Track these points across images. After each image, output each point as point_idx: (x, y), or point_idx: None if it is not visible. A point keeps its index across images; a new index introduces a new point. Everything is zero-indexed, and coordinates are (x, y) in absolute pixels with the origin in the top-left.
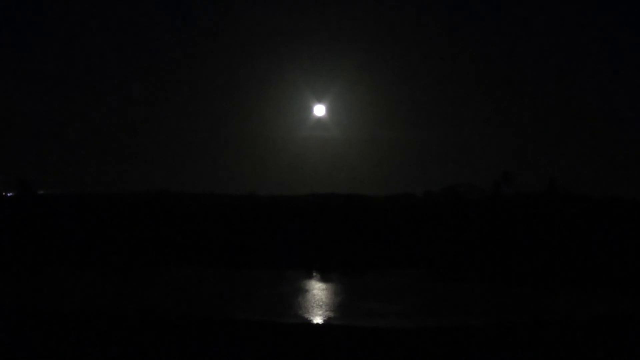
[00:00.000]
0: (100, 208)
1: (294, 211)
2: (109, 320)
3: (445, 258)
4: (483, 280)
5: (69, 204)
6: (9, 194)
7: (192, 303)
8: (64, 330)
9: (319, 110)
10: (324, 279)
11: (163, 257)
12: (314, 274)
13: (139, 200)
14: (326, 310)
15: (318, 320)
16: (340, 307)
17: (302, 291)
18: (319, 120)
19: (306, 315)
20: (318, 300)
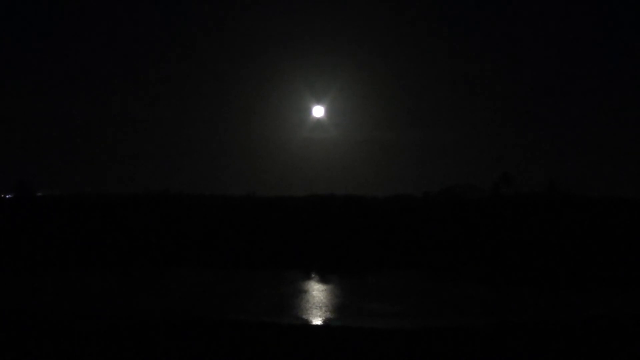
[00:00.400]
0: (100, 209)
1: (293, 212)
2: (108, 321)
3: (444, 259)
4: (482, 280)
5: (68, 205)
6: (8, 196)
7: (192, 303)
8: (63, 331)
9: (318, 111)
10: (323, 279)
11: (162, 258)
12: (313, 274)
13: (139, 202)
14: (326, 311)
15: (317, 321)
16: (340, 307)
17: (302, 292)
18: (318, 121)
19: (306, 316)
20: (317, 301)
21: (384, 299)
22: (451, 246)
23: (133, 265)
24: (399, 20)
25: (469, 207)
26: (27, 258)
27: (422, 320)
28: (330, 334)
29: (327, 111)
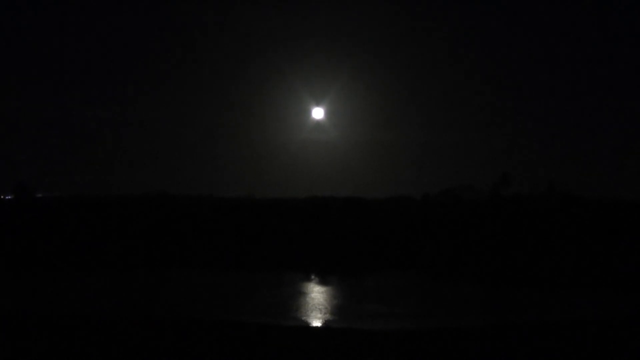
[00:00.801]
0: (98, 211)
1: (292, 214)
2: (107, 322)
3: (444, 260)
4: (482, 282)
5: (67, 207)
6: (7, 197)
7: (192, 305)
8: (62, 332)
9: (318, 113)
10: (323, 281)
11: (161, 260)
12: (313, 276)
13: (137, 203)
14: (325, 313)
15: (317, 322)
16: (340, 309)
17: (301, 293)
18: (318, 123)
19: (305, 318)
20: (317, 303)
21: (384, 300)
22: (451, 247)
23: (132, 267)
24: (398, 22)
25: (469, 208)
26: (27, 259)
27: (422, 321)
28: (330, 335)
29: (327, 113)
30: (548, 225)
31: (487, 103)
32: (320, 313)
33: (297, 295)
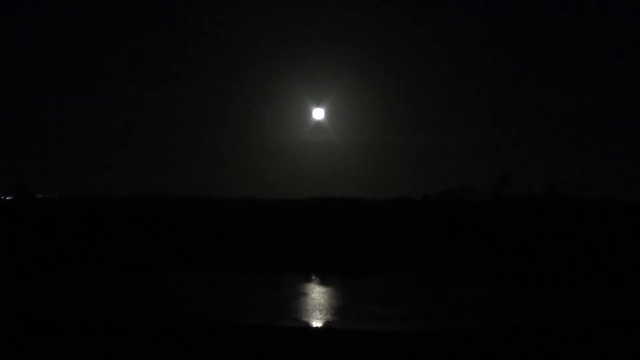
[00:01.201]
0: (99, 212)
1: (292, 215)
2: (107, 323)
3: (444, 261)
4: (482, 283)
5: (68, 207)
6: (7, 198)
7: (192, 306)
8: (63, 332)
9: (318, 113)
10: (323, 282)
11: (162, 261)
12: (313, 277)
13: (138, 204)
14: (326, 314)
15: (317, 323)
16: (340, 310)
17: (302, 294)
18: (318, 123)
19: (306, 319)
20: (317, 304)
21: (384, 301)
22: (451, 248)
23: (132, 267)
24: (399, 23)
25: (468, 209)
26: (27, 260)
27: (422, 322)
28: (330, 336)
29: (327, 113)
30: (547, 226)
31: (487, 104)
32: (321, 314)
33: (297, 296)
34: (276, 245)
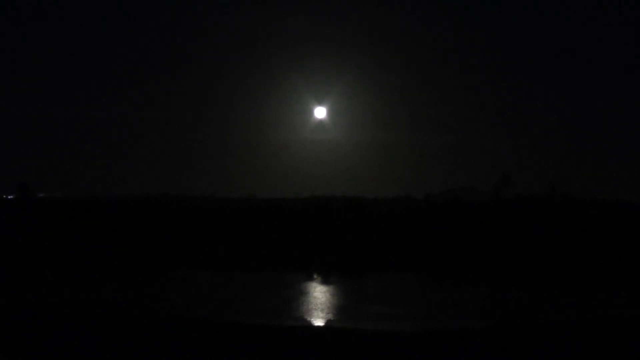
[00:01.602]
0: (100, 211)
1: (294, 214)
2: (108, 323)
3: (445, 261)
4: (483, 283)
5: (69, 207)
6: (8, 197)
7: (192, 306)
8: (63, 332)
9: (320, 112)
10: (324, 281)
11: (162, 260)
12: (314, 276)
13: (139, 203)
14: (327, 313)
15: (319, 322)
16: (341, 309)
17: (303, 294)
18: (320, 122)
19: (307, 318)
20: (318, 303)
21: (385, 300)
22: (452, 248)
23: (133, 267)
24: (401, 23)
25: (470, 209)
26: (28, 259)
27: (423, 322)
28: (331, 336)
29: (329, 112)
30: (548, 226)
31: (488, 104)
32: (323, 313)
33: (298, 296)
34: (277, 244)
